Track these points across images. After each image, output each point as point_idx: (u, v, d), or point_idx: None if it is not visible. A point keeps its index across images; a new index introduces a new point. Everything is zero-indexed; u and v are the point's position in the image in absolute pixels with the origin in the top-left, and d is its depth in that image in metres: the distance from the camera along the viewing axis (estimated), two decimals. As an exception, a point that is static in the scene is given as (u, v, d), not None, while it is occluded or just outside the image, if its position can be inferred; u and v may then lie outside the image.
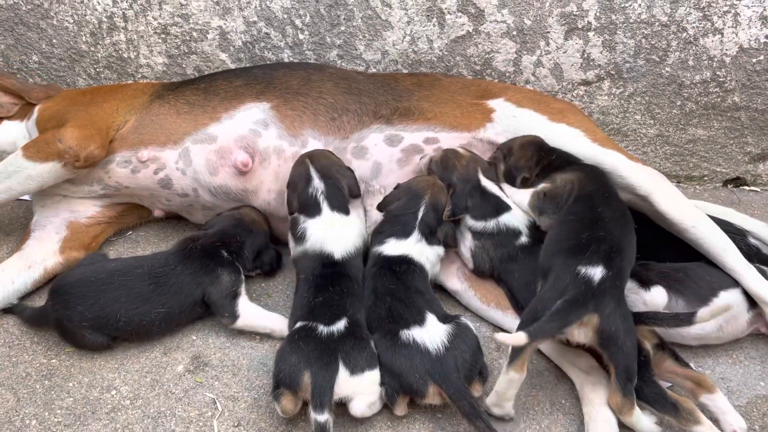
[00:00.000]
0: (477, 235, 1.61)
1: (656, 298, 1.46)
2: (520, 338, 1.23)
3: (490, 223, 1.60)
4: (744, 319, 1.51)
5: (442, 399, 1.30)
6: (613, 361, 1.28)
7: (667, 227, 1.63)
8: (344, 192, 1.59)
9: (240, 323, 1.54)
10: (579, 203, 1.52)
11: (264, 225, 1.74)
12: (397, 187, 1.69)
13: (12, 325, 1.60)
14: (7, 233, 1.93)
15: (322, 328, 1.32)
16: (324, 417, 1.19)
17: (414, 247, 1.55)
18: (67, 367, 1.47)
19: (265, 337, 1.58)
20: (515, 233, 1.60)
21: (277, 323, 1.55)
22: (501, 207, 1.63)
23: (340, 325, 1.33)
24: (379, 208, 1.67)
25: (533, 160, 1.67)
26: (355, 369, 1.27)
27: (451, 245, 1.61)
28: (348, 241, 1.53)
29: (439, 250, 1.60)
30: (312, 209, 1.56)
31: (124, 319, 1.46)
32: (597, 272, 1.33)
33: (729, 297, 1.48)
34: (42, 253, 1.70)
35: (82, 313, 1.44)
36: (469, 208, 1.62)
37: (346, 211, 1.58)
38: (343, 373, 1.25)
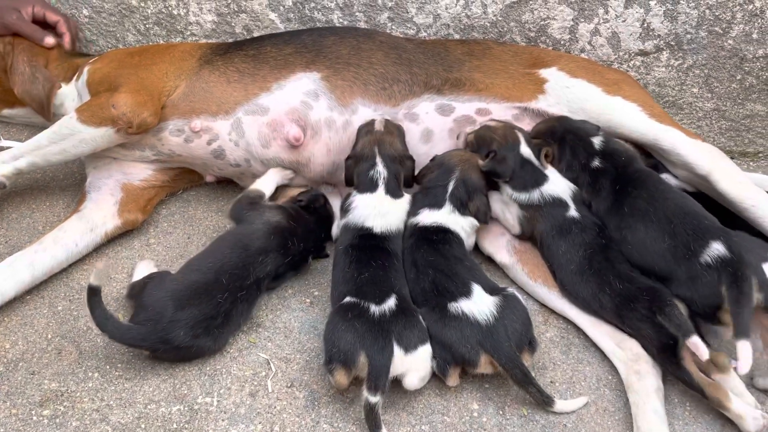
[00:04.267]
0: (524, 206, 1.62)
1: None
2: None
3: (534, 195, 1.60)
4: None
5: (493, 368, 1.32)
6: None
7: (726, 206, 1.60)
8: (400, 182, 1.62)
9: None
10: None
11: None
12: (433, 158, 1.69)
13: (71, 279, 1.65)
14: (63, 188, 1.97)
15: (374, 308, 1.33)
16: (376, 399, 1.22)
17: (448, 218, 1.57)
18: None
19: (315, 301, 1.61)
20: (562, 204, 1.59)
21: None
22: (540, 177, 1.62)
23: (391, 302, 1.34)
24: (416, 179, 1.68)
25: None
26: (408, 347, 1.28)
27: (481, 220, 1.62)
28: (391, 221, 1.55)
29: (473, 220, 1.61)
30: (367, 186, 1.59)
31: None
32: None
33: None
34: (101, 216, 1.73)
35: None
36: (513, 173, 1.62)
37: (399, 196, 1.60)
38: (397, 352, 1.27)
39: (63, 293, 1.60)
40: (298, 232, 1.60)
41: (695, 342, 1.26)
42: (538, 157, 1.65)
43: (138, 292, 1.44)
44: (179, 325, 1.35)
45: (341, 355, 1.26)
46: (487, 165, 1.62)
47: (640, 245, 1.48)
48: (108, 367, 1.42)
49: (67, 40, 2.06)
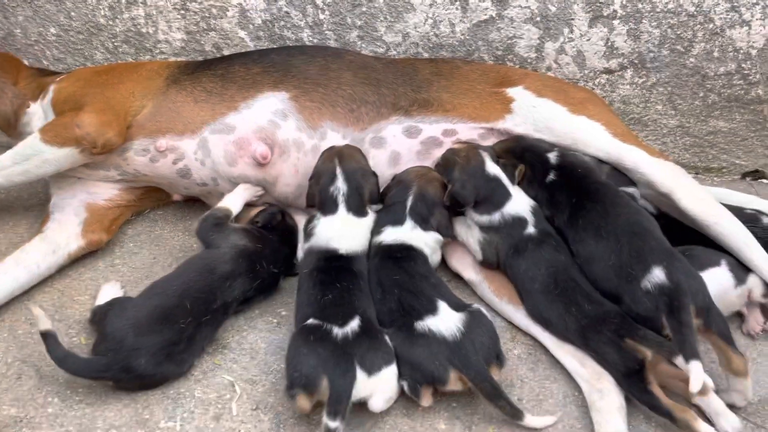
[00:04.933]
0: (484, 228, 1.61)
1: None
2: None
3: (495, 216, 1.60)
4: (733, 294, 1.52)
5: (463, 384, 1.31)
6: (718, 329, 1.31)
7: (689, 223, 1.63)
8: (364, 198, 1.60)
9: None
10: None
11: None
12: (394, 177, 1.71)
13: (33, 302, 1.62)
14: (27, 208, 1.94)
15: (337, 331, 1.31)
16: (335, 424, 1.20)
17: (411, 234, 1.58)
18: (88, 346, 1.48)
19: (282, 321, 1.60)
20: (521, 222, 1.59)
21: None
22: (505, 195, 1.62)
23: (354, 324, 1.33)
24: (381, 198, 1.69)
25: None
26: (372, 370, 1.27)
27: (444, 234, 1.63)
28: (356, 240, 1.54)
29: (436, 236, 1.61)
30: (329, 207, 1.58)
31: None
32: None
33: (716, 273, 1.50)
34: (65, 237, 1.70)
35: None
36: (475, 198, 1.61)
37: (363, 214, 1.59)
38: (360, 376, 1.26)
39: (24, 316, 1.57)
40: (266, 254, 1.59)
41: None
42: (507, 174, 1.65)
43: (100, 318, 1.42)
44: (141, 353, 1.33)
45: (303, 380, 1.25)
46: (447, 197, 1.62)
47: (589, 260, 1.49)
48: (68, 392, 1.39)
49: None
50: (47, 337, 1.33)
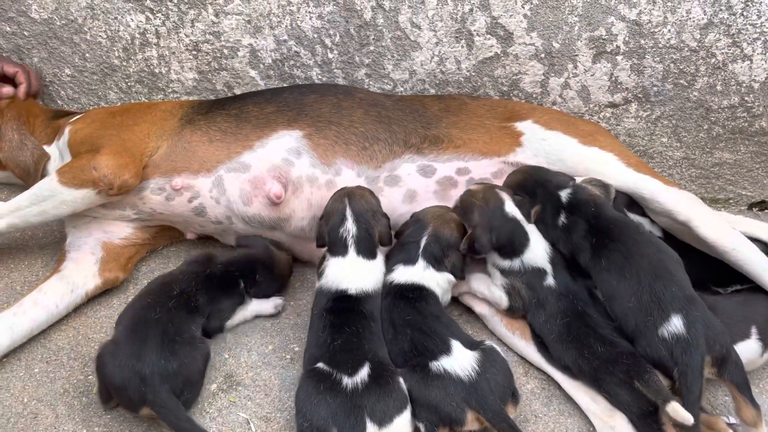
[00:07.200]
0: (505, 273, 1.61)
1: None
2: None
3: (516, 263, 1.59)
4: (760, 361, 1.51)
5: (480, 424, 1.31)
6: (732, 379, 1.31)
7: (707, 251, 1.64)
8: (374, 239, 1.59)
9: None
10: None
11: (286, 272, 1.78)
12: (412, 215, 1.71)
13: (49, 340, 1.63)
14: (42, 247, 1.97)
15: (347, 381, 1.31)
16: None
17: (423, 274, 1.57)
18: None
19: (296, 357, 1.60)
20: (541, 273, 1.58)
21: (266, 307, 1.72)
22: (524, 239, 1.60)
23: (363, 373, 1.32)
24: (396, 235, 1.69)
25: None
26: (383, 420, 1.27)
27: (457, 276, 1.62)
28: (366, 282, 1.53)
29: (449, 276, 1.61)
30: (339, 249, 1.57)
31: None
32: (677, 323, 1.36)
33: (746, 346, 1.45)
34: (82, 277, 1.72)
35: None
36: (495, 243, 1.59)
37: (372, 257, 1.58)
38: (372, 429, 1.25)
39: (40, 355, 1.59)
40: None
41: (675, 407, 1.24)
42: (524, 213, 1.63)
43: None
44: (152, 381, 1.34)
45: (313, 431, 1.25)
46: (465, 243, 1.60)
47: (610, 299, 1.48)
48: (85, 430, 1.40)
49: (22, 90, 2.10)
50: None
